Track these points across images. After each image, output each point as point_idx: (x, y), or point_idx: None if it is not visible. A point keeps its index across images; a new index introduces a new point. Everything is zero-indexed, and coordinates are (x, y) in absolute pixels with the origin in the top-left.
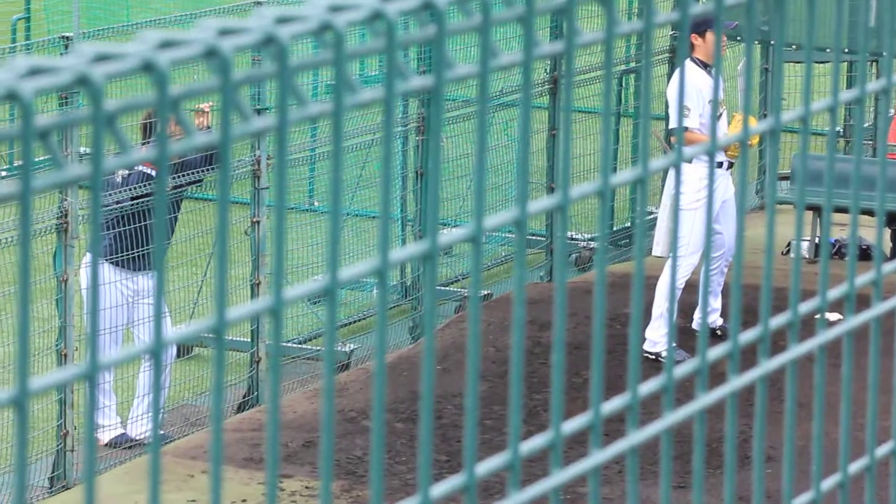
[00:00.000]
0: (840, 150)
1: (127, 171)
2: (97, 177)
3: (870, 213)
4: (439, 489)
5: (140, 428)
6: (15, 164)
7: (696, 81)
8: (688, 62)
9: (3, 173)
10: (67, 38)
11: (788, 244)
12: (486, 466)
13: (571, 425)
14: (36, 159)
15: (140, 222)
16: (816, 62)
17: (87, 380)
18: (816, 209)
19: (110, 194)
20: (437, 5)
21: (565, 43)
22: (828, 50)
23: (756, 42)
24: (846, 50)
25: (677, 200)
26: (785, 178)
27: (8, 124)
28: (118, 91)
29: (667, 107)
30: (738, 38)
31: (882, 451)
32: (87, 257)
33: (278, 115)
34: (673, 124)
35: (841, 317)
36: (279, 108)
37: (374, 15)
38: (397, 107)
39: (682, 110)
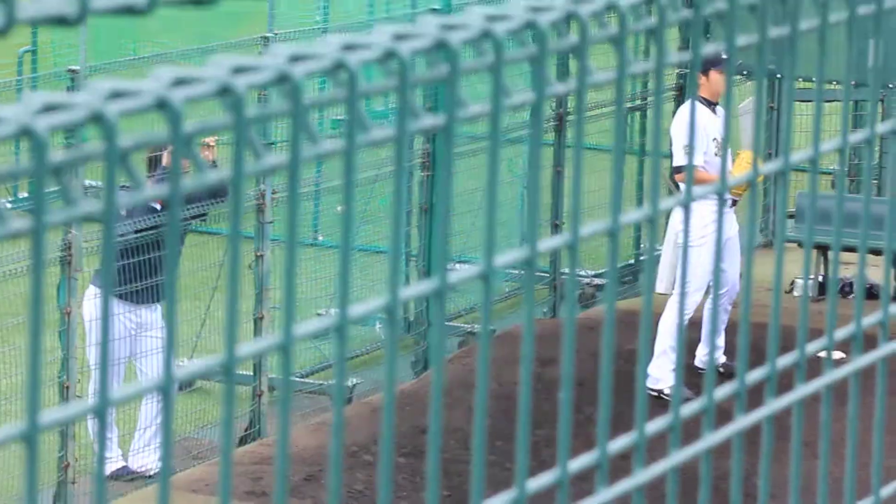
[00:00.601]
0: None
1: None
2: (110, 213)
3: (876, 252)
4: None
5: (141, 460)
6: (20, 196)
7: (700, 120)
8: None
9: (8, 204)
10: (74, 71)
11: (792, 283)
12: (493, 503)
13: (578, 463)
14: (27, 193)
15: (143, 255)
16: (824, 101)
17: (97, 415)
18: (820, 248)
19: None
20: (450, 45)
21: (577, 82)
22: (834, 84)
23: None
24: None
25: (686, 239)
26: (790, 216)
27: (13, 159)
28: (124, 125)
29: (671, 145)
30: (744, 73)
31: (887, 490)
32: (91, 290)
33: (291, 152)
34: (676, 162)
35: (844, 355)
36: (292, 146)
37: (387, 54)
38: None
39: (692, 148)
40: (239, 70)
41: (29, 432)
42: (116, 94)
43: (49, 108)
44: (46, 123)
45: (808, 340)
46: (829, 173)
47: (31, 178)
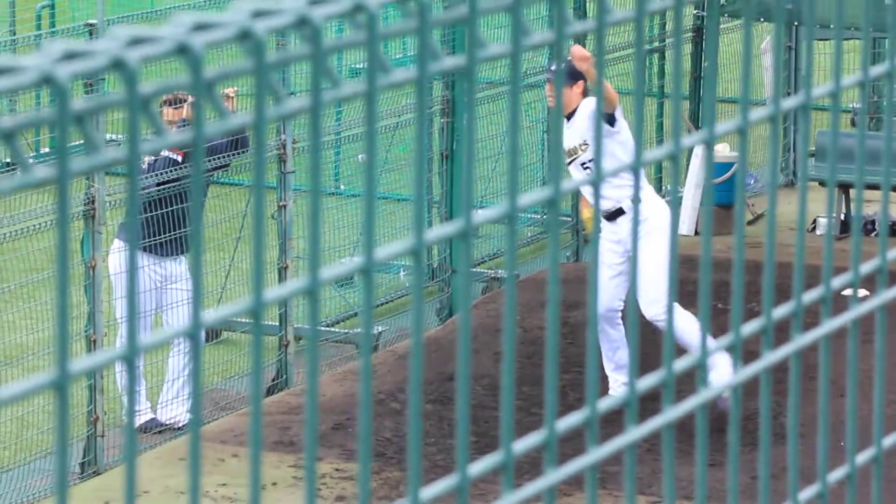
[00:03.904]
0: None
1: (153, 157)
2: (134, 160)
3: None
4: (476, 468)
5: (170, 412)
6: (42, 151)
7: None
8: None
9: (30, 160)
10: (92, 25)
11: (814, 221)
12: (522, 445)
13: (606, 403)
14: (49, 148)
15: (166, 208)
16: (843, 39)
17: (126, 362)
18: (842, 186)
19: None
20: None
21: (597, 21)
22: (852, 29)
23: (766, 20)
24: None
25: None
26: (811, 155)
27: (33, 111)
28: (145, 73)
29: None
30: (763, 19)
31: None
32: (115, 243)
33: (312, 96)
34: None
35: (869, 293)
36: (313, 90)
37: None
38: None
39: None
40: (258, 14)
41: (60, 380)
42: (136, 41)
43: (69, 56)
44: (67, 71)
45: (833, 277)
46: (849, 111)
47: (54, 126)
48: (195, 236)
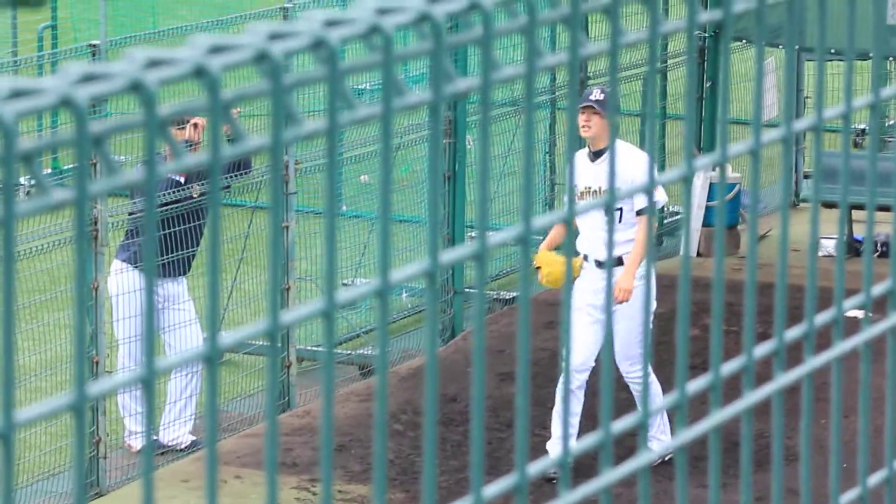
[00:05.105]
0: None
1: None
2: (152, 181)
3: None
4: (490, 490)
5: (172, 434)
6: (44, 173)
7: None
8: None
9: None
10: (95, 46)
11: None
12: (536, 467)
13: (620, 425)
14: (54, 169)
15: (167, 229)
16: (838, 60)
17: (145, 384)
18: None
19: (137, 202)
20: (483, 6)
21: (611, 42)
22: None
23: (769, 45)
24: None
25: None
26: (807, 176)
27: (36, 134)
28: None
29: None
30: (778, 44)
31: None
32: (115, 264)
33: (329, 117)
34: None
35: (874, 316)
36: (330, 111)
37: (421, 17)
38: (423, 111)
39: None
40: (275, 36)
41: (77, 403)
42: (154, 63)
43: (87, 79)
44: (86, 93)
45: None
46: (852, 132)
47: (72, 148)
48: (211, 258)
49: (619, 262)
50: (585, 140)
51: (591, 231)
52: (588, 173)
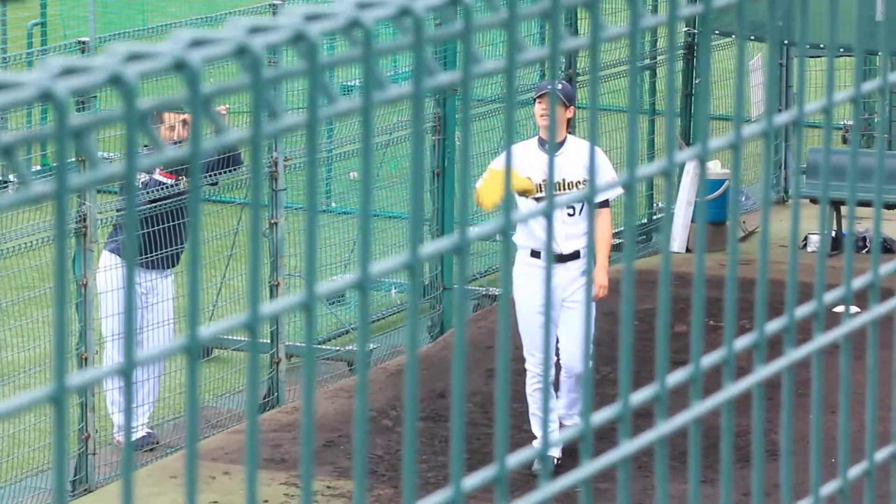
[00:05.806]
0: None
1: (147, 177)
2: (132, 175)
3: (891, 206)
4: (471, 481)
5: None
6: (33, 170)
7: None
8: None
9: (14, 179)
10: (84, 42)
11: (805, 238)
12: (515, 459)
13: (599, 416)
14: (41, 166)
15: (154, 226)
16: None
17: (124, 376)
18: (833, 203)
19: (124, 199)
20: (464, 1)
21: (591, 37)
22: (841, 49)
23: (758, 40)
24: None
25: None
26: (802, 172)
27: (23, 129)
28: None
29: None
30: (753, 38)
31: None
32: (103, 258)
33: (309, 111)
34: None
35: (860, 310)
36: (310, 105)
37: (402, 11)
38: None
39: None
40: (255, 30)
41: (57, 394)
42: (134, 57)
43: (68, 72)
44: (66, 86)
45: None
46: (840, 128)
47: (46, 143)
48: (193, 253)
49: (577, 255)
50: (537, 130)
51: (560, 228)
52: (540, 165)
